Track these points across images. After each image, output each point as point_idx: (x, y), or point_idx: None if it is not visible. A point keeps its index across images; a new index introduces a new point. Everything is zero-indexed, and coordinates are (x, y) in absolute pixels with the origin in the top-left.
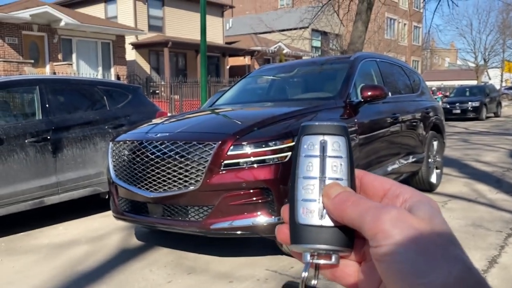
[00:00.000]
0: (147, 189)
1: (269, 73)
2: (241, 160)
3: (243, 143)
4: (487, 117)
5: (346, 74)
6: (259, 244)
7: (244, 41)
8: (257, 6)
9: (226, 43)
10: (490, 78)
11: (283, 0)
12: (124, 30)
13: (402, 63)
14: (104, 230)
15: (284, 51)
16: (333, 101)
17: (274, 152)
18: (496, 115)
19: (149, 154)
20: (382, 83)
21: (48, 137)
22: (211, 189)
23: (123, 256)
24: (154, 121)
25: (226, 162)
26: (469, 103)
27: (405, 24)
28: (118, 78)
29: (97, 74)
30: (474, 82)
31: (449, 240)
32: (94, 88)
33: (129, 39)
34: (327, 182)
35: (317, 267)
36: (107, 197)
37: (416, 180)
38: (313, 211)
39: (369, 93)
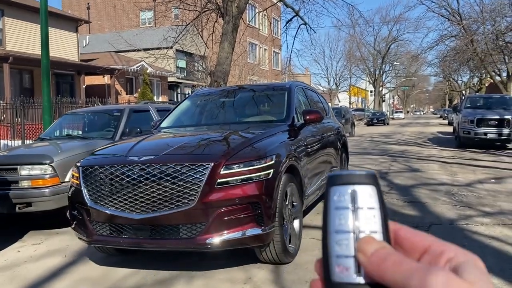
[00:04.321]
0: (132, 211)
1: (210, 97)
2: (231, 178)
3: (232, 163)
4: None
5: (288, 100)
6: (236, 255)
7: (103, 59)
8: (117, 23)
9: (82, 60)
10: (339, 101)
11: (144, 19)
12: None
13: (315, 90)
14: None
15: (148, 71)
16: (284, 124)
17: (258, 170)
18: (351, 134)
19: (136, 177)
20: (310, 107)
21: None
22: (205, 207)
23: None
24: (122, 143)
25: (219, 180)
26: None
27: (265, 50)
28: None
29: None
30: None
31: None
32: None
33: None
34: (361, 235)
35: None
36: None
37: None
38: (349, 268)
39: (309, 117)
